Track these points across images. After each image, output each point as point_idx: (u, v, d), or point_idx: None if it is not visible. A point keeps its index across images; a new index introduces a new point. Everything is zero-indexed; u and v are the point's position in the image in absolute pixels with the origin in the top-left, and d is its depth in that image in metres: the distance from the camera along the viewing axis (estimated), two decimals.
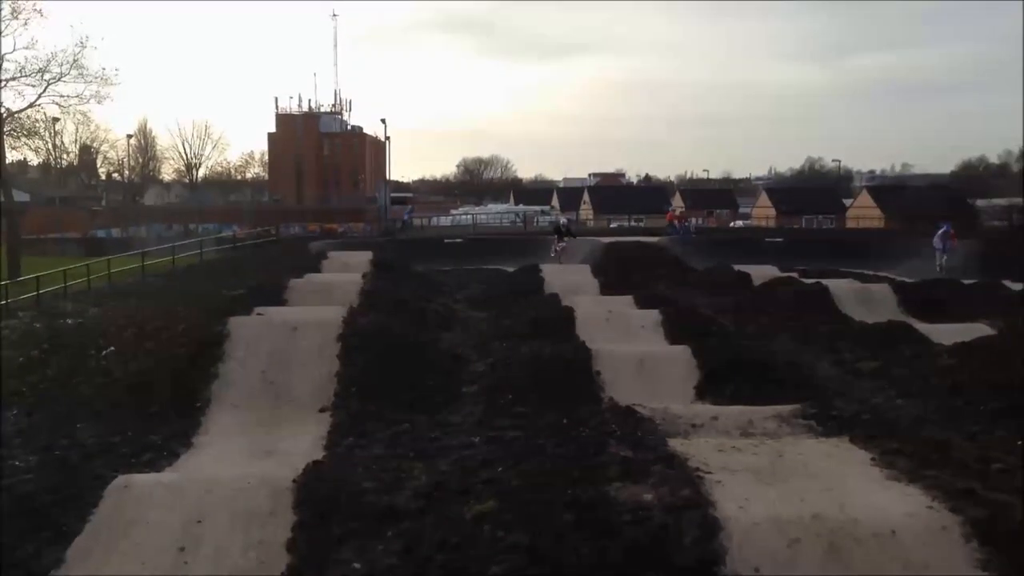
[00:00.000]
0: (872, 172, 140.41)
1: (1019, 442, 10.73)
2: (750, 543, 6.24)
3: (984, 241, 37.29)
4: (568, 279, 25.31)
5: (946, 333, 16.83)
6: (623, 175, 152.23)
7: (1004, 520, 6.48)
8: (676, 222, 49.97)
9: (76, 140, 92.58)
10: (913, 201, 56.41)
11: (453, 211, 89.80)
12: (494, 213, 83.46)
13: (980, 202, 56.28)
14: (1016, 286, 24.13)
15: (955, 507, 6.65)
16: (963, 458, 8.48)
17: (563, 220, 27.74)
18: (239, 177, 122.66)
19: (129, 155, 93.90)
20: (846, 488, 7.20)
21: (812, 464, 7.90)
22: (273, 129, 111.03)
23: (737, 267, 29.62)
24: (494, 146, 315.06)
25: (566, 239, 33.37)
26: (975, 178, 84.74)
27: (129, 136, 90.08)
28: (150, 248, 37.12)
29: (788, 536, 6.34)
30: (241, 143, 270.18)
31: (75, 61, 34.76)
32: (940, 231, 32.21)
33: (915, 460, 7.93)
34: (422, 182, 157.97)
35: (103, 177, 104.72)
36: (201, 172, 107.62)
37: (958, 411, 12.16)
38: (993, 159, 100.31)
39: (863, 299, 22.52)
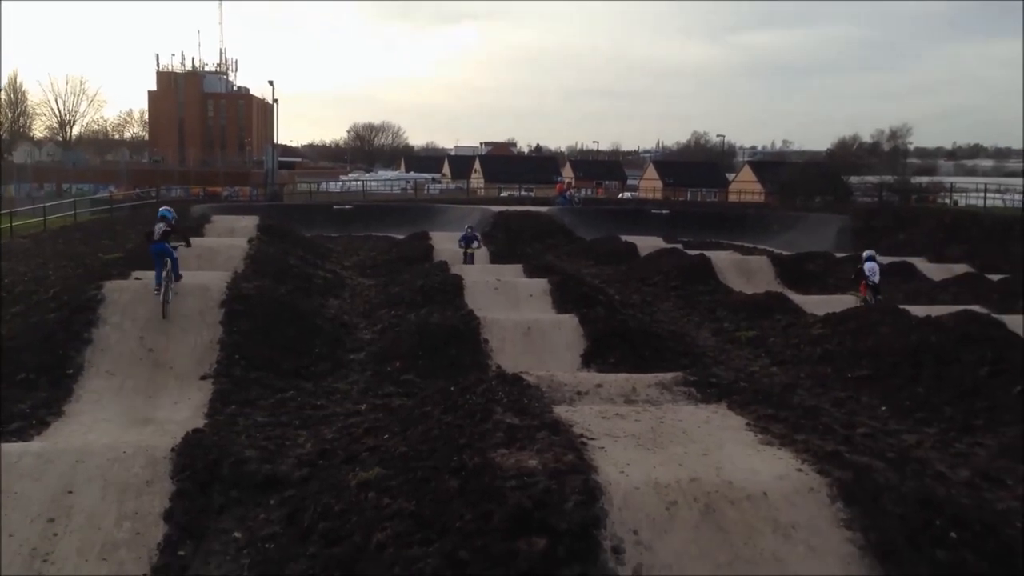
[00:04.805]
0: (754, 148, 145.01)
1: (882, 408, 11.36)
2: (630, 506, 6.40)
3: (855, 217, 38.96)
4: (458, 248, 25.33)
5: (818, 304, 17.64)
6: (514, 145, 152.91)
7: (867, 481, 6.82)
8: (565, 192, 50.54)
9: None
10: (791, 177, 58.28)
11: (343, 177, 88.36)
12: (384, 180, 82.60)
13: (853, 179, 58.65)
14: (884, 260, 25.34)
15: (822, 469, 6.97)
16: (831, 423, 8.89)
17: None
18: (116, 136, 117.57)
19: None
20: (722, 453, 7.46)
21: (691, 430, 8.14)
22: (154, 87, 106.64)
23: (624, 238, 30.23)
24: (386, 112, 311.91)
25: None
26: (849, 156, 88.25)
27: None
28: (19, 208, 35.36)
29: (666, 499, 6.52)
30: (119, 101, 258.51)
31: None
32: None
33: (787, 425, 8.27)
34: (311, 147, 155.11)
35: None
36: (76, 130, 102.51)
37: (827, 378, 12.76)
38: (866, 138, 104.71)
39: (743, 270, 23.32)
